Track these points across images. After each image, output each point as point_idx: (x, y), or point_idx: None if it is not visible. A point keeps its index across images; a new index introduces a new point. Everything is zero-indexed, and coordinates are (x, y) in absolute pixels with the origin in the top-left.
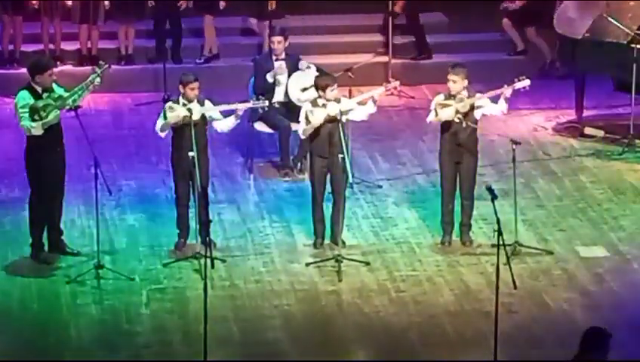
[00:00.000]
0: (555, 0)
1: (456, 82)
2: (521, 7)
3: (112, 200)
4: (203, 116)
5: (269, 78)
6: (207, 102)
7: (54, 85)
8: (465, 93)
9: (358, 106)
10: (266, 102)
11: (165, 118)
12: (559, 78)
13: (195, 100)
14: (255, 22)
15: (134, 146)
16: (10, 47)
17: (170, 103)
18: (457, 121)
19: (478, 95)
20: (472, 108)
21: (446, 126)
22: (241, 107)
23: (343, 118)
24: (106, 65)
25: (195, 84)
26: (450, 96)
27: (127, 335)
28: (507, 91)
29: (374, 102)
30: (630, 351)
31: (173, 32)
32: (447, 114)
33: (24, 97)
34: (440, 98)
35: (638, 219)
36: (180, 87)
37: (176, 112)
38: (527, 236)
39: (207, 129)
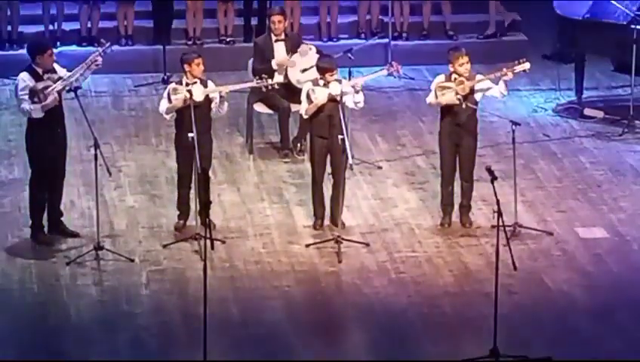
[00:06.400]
0: None
1: (463, 65)
2: None
3: (111, 181)
4: (207, 97)
5: (274, 65)
6: (209, 82)
7: (56, 66)
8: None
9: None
10: (270, 81)
11: (170, 100)
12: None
13: (199, 81)
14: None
15: (134, 127)
16: (8, 28)
17: (173, 85)
18: (457, 101)
19: (478, 77)
20: (472, 90)
21: (446, 107)
22: (246, 86)
23: (343, 99)
24: (108, 44)
25: (200, 60)
26: (452, 78)
27: (127, 316)
28: (507, 74)
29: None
30: (630, 332)
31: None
32: (448, 98)
33: (24, 79)
34: (440, 79)
35: (638, 201)
36: (185, 66)
37: (179, 95)
38: (526, 217)
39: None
